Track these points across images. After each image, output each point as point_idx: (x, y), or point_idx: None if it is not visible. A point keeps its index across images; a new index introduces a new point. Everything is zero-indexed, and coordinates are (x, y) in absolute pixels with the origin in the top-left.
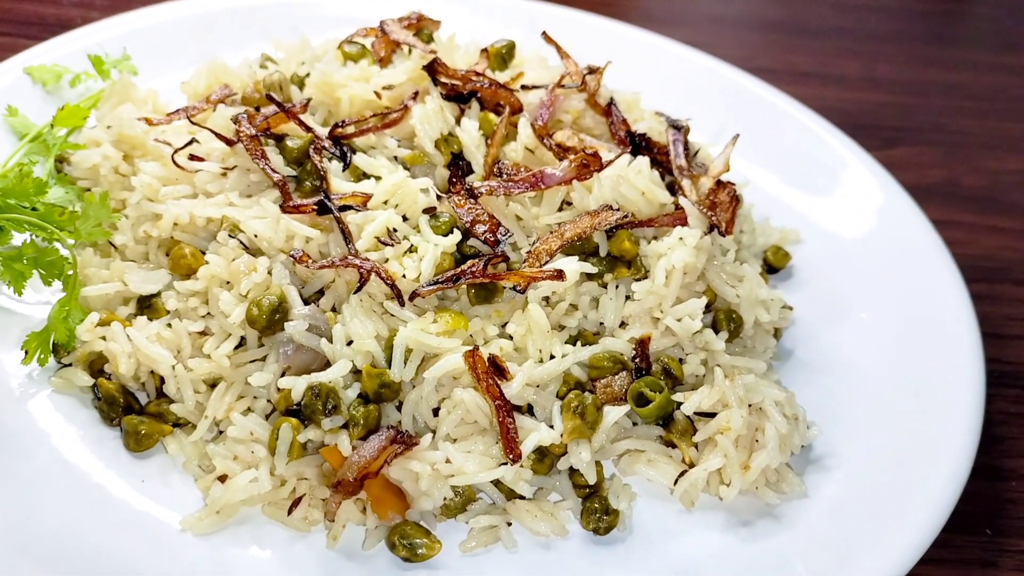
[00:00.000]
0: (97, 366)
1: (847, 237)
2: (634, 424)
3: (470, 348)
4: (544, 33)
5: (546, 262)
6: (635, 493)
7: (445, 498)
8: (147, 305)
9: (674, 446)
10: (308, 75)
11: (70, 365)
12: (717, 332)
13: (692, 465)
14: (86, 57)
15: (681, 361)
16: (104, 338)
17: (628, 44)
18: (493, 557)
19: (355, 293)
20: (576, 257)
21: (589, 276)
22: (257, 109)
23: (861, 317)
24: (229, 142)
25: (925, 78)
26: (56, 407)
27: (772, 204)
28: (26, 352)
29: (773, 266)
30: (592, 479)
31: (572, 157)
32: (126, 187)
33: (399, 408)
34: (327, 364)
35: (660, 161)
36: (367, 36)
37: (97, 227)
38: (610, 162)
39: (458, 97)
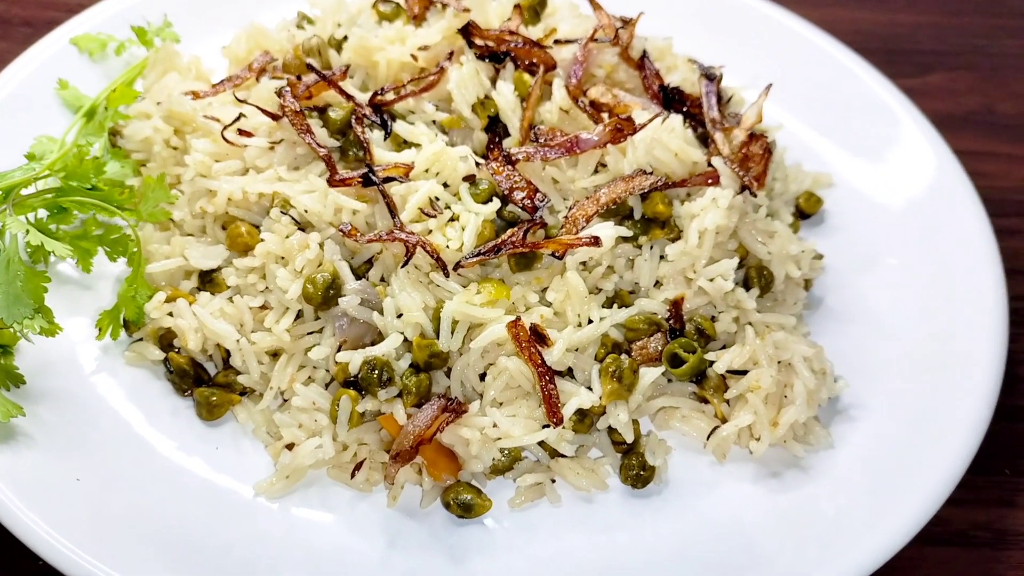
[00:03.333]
0: (166, 340)
1: (880, 180)
2: (669, 381)
3: (513, 318)
4: None
5: (582, 227)
6: (670, 447)
7: (493, 459)
8: (208, 279)
9: (707, 402)
10: (345, 38)
11: (141, 340)
12: (748, 288)
13: (724, 420)
14: (127, 24)
15: (713, 319)
16: (171, 314)
17: None
18: (539, 511)
19: (402, 267)
20: (612, 221)
21: (625, 239)
22: (299, 78)
23: (890, 263)
24: (275, 117)
25: None
26: (131, 380)
27: (804, 148)
28: (99, 329)
29: (805, 212)
30: (630, 438)
31: (606, 121)
32: (179, 161)
33: (448, 375)
34: (379, 335)
35: (693, 114)
36: None
37: (157, 208)
38: (643, 125)
39: (492, 56)
